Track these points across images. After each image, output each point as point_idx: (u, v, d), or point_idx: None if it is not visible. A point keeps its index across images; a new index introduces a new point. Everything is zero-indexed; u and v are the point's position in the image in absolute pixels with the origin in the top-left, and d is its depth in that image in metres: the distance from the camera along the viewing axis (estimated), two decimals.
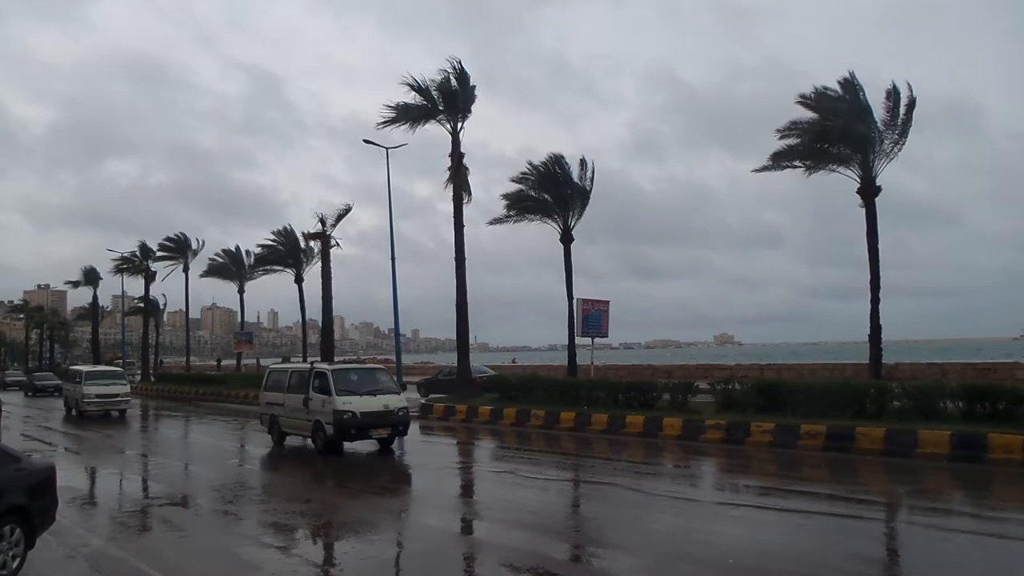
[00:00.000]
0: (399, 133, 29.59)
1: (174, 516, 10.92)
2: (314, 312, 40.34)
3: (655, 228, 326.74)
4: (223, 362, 74.81)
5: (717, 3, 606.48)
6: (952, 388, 16.70)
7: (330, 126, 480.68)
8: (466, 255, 29.16)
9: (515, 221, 30.87)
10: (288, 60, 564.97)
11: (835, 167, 23.73)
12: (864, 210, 23.01)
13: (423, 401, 27.04)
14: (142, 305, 62.20)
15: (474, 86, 29.20)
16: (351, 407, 15.90)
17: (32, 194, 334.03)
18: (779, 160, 24.31)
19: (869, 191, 22.95)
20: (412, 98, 28.71)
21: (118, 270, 59.63)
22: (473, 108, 29.30)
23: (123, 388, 29.09)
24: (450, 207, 29.20)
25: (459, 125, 29.11)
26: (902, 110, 22.49)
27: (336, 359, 41.37)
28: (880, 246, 22.87)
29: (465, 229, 29.16)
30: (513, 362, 61.97)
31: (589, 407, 21.38)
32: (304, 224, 45.51)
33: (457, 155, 29.04)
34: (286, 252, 45.47)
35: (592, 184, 29.62)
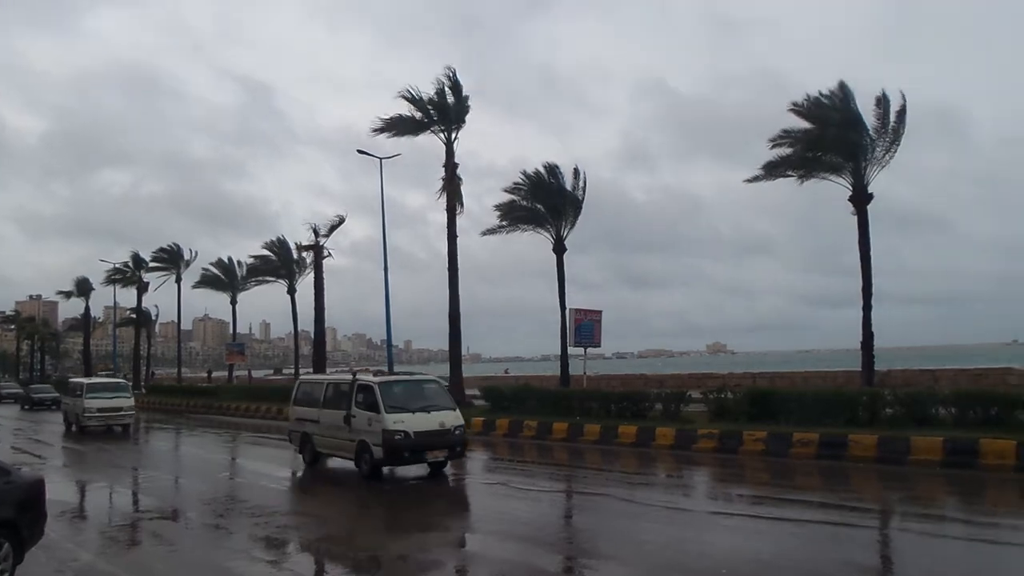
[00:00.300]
0: (392, 143, 29.68)
1: (164, 530, 10.82)
2: (306, 323, 40.32)
3: (647, 237, 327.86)
4: (214, 374, 74.51)
5: (706, 13, 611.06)
6: (944, 395, 16.77)
7: (322, 136, 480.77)
8: (459, 265, 29.19)
9: (508, 231, 30.98)
10: (280, 70, 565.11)
11: (827, 175, 23.88)
12: (856, 218, 23.14)
13: None
14: (134, 316, 62.01)
15: (467, 96, 29.39)
16: (403, 426, 13.65)
17: (25, 204, 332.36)
18: (772, 170, 24.45)
19: (861, 199, 23.08)
20: (406, 109, 28.88)
21: (110, 281, 59.47)
22: (467, 118, 29.43)
23: (127, 401, 27.15)
24: (442, 217, 29.27)
25: (453, 135, 29.24)
26: (893, 117, 22.67)
27: (329, 370, 41.27)
28: (872, 253, 23.01)
29: (458, 239, 29.21)
30: (506, 372, 61.93)
31: (582, 417, 21.34)
32: (296, 235, 45.72)
33: (451, 165, 29.12)
34: (279, 263, 45.44)
35: (584, 194, 29.80)
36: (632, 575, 7.95)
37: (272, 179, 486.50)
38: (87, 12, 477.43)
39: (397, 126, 29.07)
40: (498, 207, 30.58)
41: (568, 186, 29.74)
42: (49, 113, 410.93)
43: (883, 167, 23.08)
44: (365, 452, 14.16)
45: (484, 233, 31.52)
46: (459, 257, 29.27)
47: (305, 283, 43.13)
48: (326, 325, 37.75)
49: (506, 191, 30.43)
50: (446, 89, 28.79)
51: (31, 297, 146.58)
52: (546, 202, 29.71)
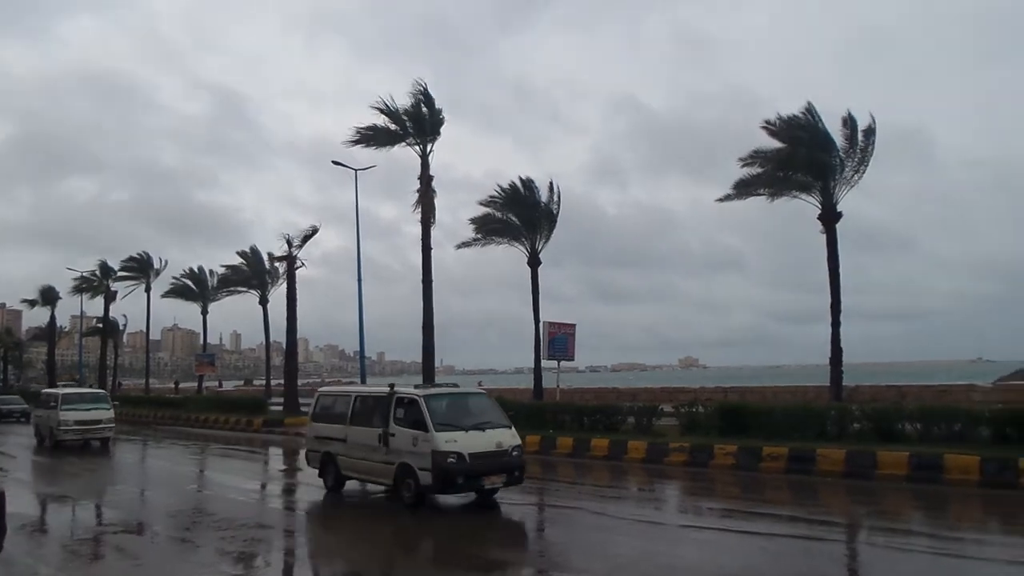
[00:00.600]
0: (366, 155, 29.65)
1: (129, 544, 10.61)
2: (278, 334, 39.91)
3: (619, 252, 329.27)
4: (182, 384, 73.40)
5: (678, 32, 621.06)
6: (910, 410, 17.05)
7: (295, 147, 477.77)
8: (433, 277, 29.14)
9: (483, 244, 31.06)
10: (253, 81, 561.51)
11: (797, 194, 24.29)
12: (825, 236, 23.53)
13: None
14: (101, 326, 60.88)
15: (441, 109, 29.42)
16: (456, 447, 11.71)
17: None
18: (743, 188, 24.83)
19: (830, 217, 23.50)
20: (381, 121, 28.83)
21: (77, 290, 58.39)
22: (441, 131, 29.49)
23: (106, 413, 24.92)
24: (416, 229, 29.23)
25: (428, 148, 29.23)
26: (860, 138, 23.16)
27: (300, 381, 40.90)
28: (840, 271, 23.40)
29: (432, 251, 29.18)
30: (479, 385, 61.76)
31: (555, 430, 21.34)
32: (268, 245, 45.35)
33: (426, 177, 29.10)
34: (251, 273, 45.03)
35: (559, 208, 29.98)
36: None
37: (244, 189, 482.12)
38: (56, 17, 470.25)
39: (372, 138, 29.03)
40: (473, 220, 30.69)
41: (543, 200, 29.92)
42: (14, 117, 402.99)
43: (852, 187, 23.57)
44: (408, 477, 12.16)
45: (459, 246, 31.61)
46: (433, 269, 29.25)
47: (277, 294, 42.80)
48: (298, 336, 37.30)
49: (482, 204, 30.58)
50: (420, 102, 28.82)
51: None
52: (521, 215, 29.85)
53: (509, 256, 32.27)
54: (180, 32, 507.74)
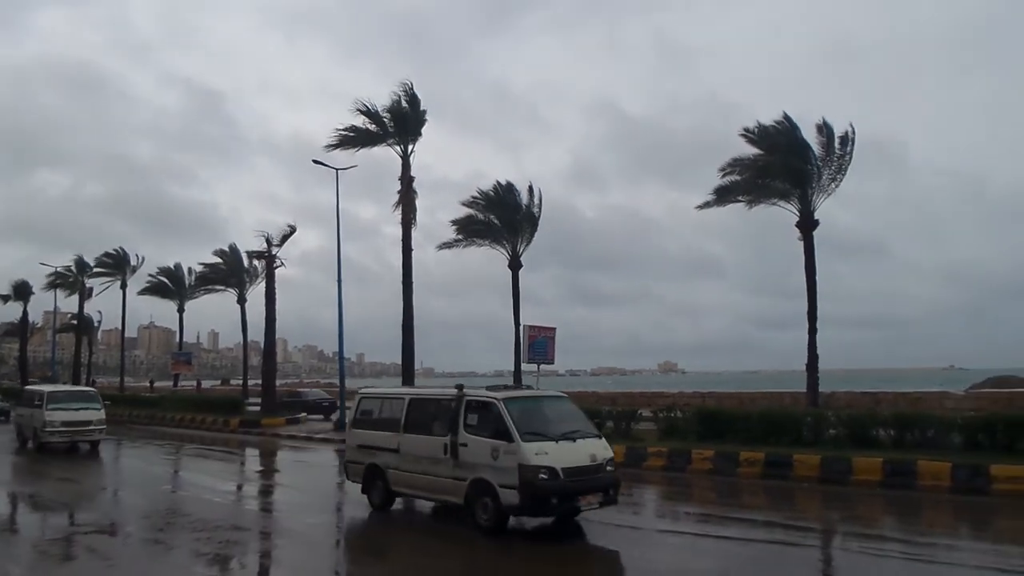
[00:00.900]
0: (346, 154, 29.45)
1: (101, 545, 10.47)
2: (256, 334, 39.59)
3: (598, 256, 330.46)
4: (157, 383, 72.56)
5: (657, 39, 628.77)
6: (885, 417, 17.26)
7: (273, 145, 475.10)
8: (413, 279, 29.06)
9: (464, 246, 31.05)
10: (231, 77, 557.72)
11: (776, 201, 24.50)
12: (802, 243, 23.76)
13: None
14: (75, 322, 60.01)
15: (424, 110, 29.39)
16: (548, 460, 9.96)
17: None
18: (722, 195, 25.01)
19: (808, 225, 23.73)
20: (362, 121, 28.71)
21: (51, 285, 57.46)
22: (423, 131, 29.44)
23: (97, 414, 23.08)
24: (396, 230, 29.17)
25: (409, 148, 29.19)
26: (837, 146, 23.41)
27: (278, 382, 40.58)
28: (817, 277, 23.62)
29: (413, 252, 29.10)
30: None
31: None
32: (246, 243, 44.94)
33: (407, 178, 29.04)
34: (229, 271, 44.60)
35: (540, 211, 30.03)
36: None
37: (220, 186, 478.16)
38: (26, 8, 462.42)
39: (353, 139, 28.90)
40: (455, 221, 30.66)
41: (524, 203, 29.97)
42: None
43: (829, 194, 23.82)
44: (484, 495, 10.36)
45: (440, 247, 31.55)
46: (413, 270, 29.16)
47: (255, 293, 42.40)
48: (277, 336, 37.02)
49: (464, 204, 30.54)
50: (403, 102, 28.76)
51: None
52: (503, 218, 29.87)
53: (489, 258, 32.35)
54: (153, 25, 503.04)
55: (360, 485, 12.66)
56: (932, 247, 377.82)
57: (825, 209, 24.00)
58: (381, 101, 28.72)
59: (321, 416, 34.56)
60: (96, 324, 64.01)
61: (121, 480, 18.38)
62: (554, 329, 27.71)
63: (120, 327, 59.80)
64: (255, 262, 40.31)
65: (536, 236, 30.20)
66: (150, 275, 52.40)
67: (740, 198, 24.99)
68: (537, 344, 26.49)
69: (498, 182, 30.15)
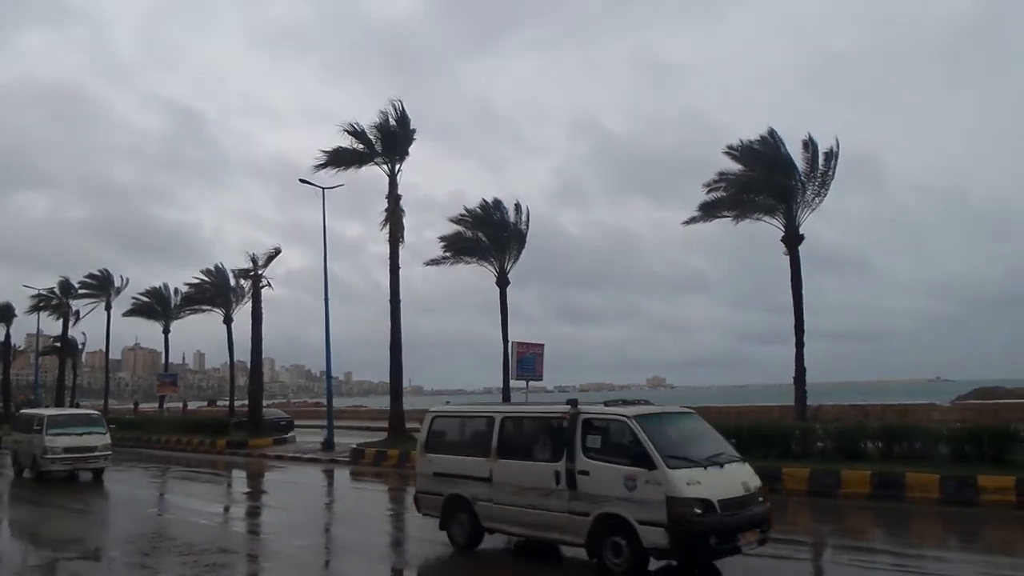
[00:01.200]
0: (332, 174, 29.49)
1: (85, 571, 10.32)
2: (243, 354, 39.24)
3: (584, 272, 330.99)
4: (143, 405, 71.80)
5: (638, 57, 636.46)
6: (872, 429, 17.34)
7: (257, 165, 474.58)
8: (400, 297, 29.02)
9: (452, 263, 31.02)
10: (213, 98, 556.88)
11: (761, 216, 24.68)
12: (788, 258, 23.93)
13: (354, 446, 26.46)
14: (59, 344, 59.37)
15: (414, 129, 29.56)
16: (702, 491, 8.27)
17: None
18: (708, 210, 25.16)
19: (793, 239, 23.90)
20: (349, 141, 28.78)
21: (35, 308, 56.92)
22: (410, 150, 29.54)
23: (102, 439, 21.21)
24: (382, 248, 29.21)
25: (397, 167, 29.28)
26: (821, 161, 23.65)
27: (265, 403, 40.24)
28: (803, 292, 23.76)
29: (400, 270, 29.08)
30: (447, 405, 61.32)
31: None
32: (231, 264, 44.26)
33: (394, 197, 29.08)
34: (215, 291, 44.30)
35: (528, 228, 30.09)
36: None
37: (204, 207, 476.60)
38: (8, 29, 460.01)
39: (340, 159, 28.95)
40: (443, 238, 30.64)
41: (512, 220, 30.03)
42: None
43: (813, 209, 24.01)
44: (615, 534, 8.54)
45: (428, 263, 31.49)
46: (400, 288, 29.12)
47: (242, 312, 42.08)
48: (264, 356, 36.76)
49: (452, 220, 30.51)
50: (391, 120, 28.86)
51: None
52: (491, 235, 29.89)
53: (476, 276, 32.28)
54: (135, 46, 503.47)
55: (438, 520, 10.83)
56: (914, 261, 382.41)
57: (809, 224, 24.22)
58: (366, 120, 28.87)
59: (277, 434, 33.83)
60: (80, 346, 63.40)
61: (106, 504, 18.12)
62: (542, 346, 27.65)
63: (104, 349, 59.24)
64: (241, 281, 40.10)
65: (523, 253, 30.26)
66: (134, 297, 51.96)
67: (726, 213, 25.15)
68: (525, 361, 26.40)
69: (485, 200, 30.24)
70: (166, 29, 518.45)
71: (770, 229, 24.41)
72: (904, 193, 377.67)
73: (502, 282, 29.71)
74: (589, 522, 8.78)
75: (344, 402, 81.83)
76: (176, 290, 49.91)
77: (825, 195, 23.73)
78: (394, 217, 29.01)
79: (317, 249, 30.91)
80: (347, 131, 28.50)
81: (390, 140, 28.83)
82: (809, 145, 23.68)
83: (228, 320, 43.62)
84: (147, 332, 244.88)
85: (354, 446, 26.31)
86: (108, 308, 53.51)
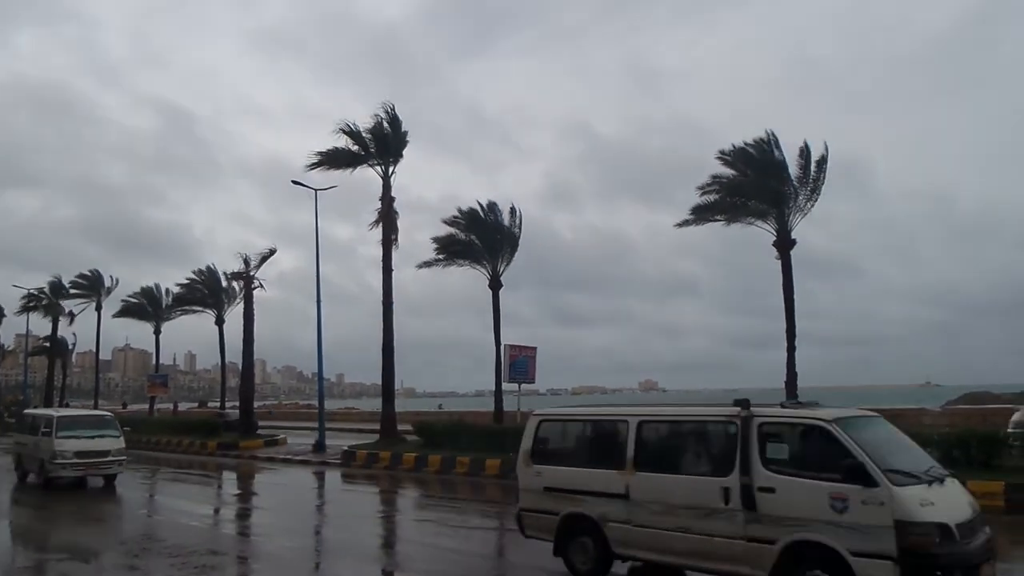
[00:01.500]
0: (323, 175, 29.58)
1: (74, 572, 10.28)
2: (234, 355, 39.11)
3: (576, 276, 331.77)
4: (132, 406, 71.51)
5: (628, 62, 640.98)
6: None
7: (248, 166, 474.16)
8: (393, 299, 29.04)
9: (445, 265, 31.01)
10: (204, 98, 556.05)
11: (753, 220, 24.81)
12: (780, 262, 24.05)
13: (345, 448, 26.43)
14: (48, 345, 59.09)
15: (406, 131, 29.62)
16: (936, 514, 6.69)
17: None
18: (701, 214, 25.28)
19: (785, 244, 24.03)
20: (344, 142, 28.82)
21: (25, 308, 56.69)
22: (404, 152, 29.57)
23: (116, 442, 19.50)
24: (373, 251, 29.54)
25: (390, 169, 29.30)
26: (813, 167, 23.80)
27: (256, 404, 40.12)
28: (794, 296, 23.90)
29: (393, 273, 29.10)
30: (439, 408, 61.34)
31: (515, 454, 21.24)
32: (223, 264, 44.18)
33: (387, 199, 29.11)
34: (207, 292, 44.19)
35: (520, 231, 30.16)
36: None
37: (194, 208, 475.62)
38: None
39: (334, 160, 28.98)
40: (436, 240, 30.67)
41: (505, 223, 30.07)
42: None
43: (805, 214, 24.16)
44: (815, 567, 6.91)
45: (420, 266, 31.50)
46: (392, 290, 29.14)
47: (234, 314, 41.99)
48: (255, 357, 36.70)
49: (445, 222, 30.56)
50: (384, 123, 28.90)
51: None
52: (484, 238, 29.92)
53: (468, 278, 32.40)
54: (125, 46, 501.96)
55: (552, 543, 9.14)
56: (904, 266, 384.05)
57: (800, 229, 24.37)
58: (359, 122, 28.95)
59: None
60: (70, 346, 63.12)
61: (96, 505, 18.01)
62: (535, 349, 27.72)
63: (94, 349, 59.01)
64: (233, 283, 40.03)
65: (515, 256, 30.32)
66: (125, 297, 51.82)
67: (718, 217, 25.29)
68: (518, 364, 26.46)
69: (479, 202, 30.29)
70: (157, 29, 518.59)
71: (761, 233, 24.58)
72: (893, 200, 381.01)
73: (495, 285, 29.74)
74: (776, 551, 7.12)
75: (336, 404, 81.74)
76: (167, 291, 49.82)
77: (817, 200, 23.91)
78: (387, 220, 29.03)
79: (308, 251, 30.95)
80: (343, 131, 28.58)
81: (383, 142, 28.88)
82: (804, 151, 23.84)
83: (220, 321, 43.50)
84: (138, 333, 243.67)
85: (345, 448, 26.29)
86: (98, 308, 53.44)
